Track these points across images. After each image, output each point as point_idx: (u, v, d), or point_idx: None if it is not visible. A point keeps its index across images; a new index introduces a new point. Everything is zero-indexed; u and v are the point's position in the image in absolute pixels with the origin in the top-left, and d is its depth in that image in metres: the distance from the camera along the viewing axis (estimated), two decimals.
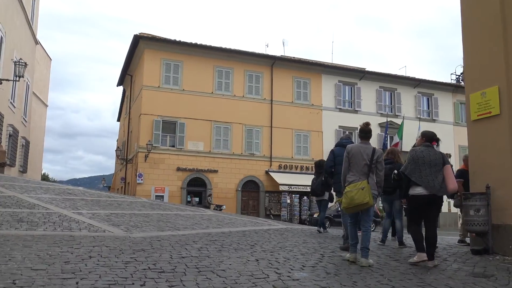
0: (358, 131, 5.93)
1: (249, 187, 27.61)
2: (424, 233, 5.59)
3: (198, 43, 27.27)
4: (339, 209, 7.97)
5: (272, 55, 28.99)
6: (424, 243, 5.39)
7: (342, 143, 7.14)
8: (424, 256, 5.37)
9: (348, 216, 5.66)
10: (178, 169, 26.10)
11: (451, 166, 5.81)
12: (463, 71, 6.52)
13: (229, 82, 27.96)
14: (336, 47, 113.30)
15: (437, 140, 5.88)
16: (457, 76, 52.16)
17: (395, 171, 7.57)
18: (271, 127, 28.23)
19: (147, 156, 25.47)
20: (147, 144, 25.20)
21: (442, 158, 5.53)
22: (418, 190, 5.40)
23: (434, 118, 32.73)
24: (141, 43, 26.71)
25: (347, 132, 29.72)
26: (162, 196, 25.61)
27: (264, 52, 29.68)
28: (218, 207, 25.16)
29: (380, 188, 5.54)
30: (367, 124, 5.75)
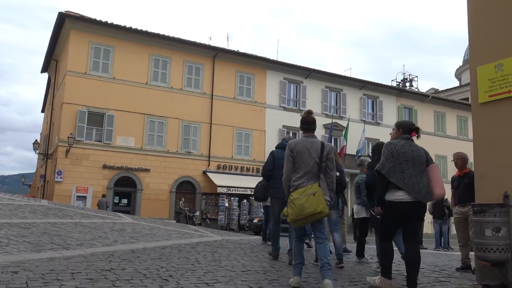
0: (300, 123, 4.62)
1: (185, 188, 25.22)
2: (404, 252, 4.52)
3: (133, 27, 24.52)
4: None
5: (215, 46, 26.78)
6: (405, 266, 4.22)
7: (283, 145, 6.22)
8: (389, 283, 4.18)
9: (294, 232, 4.50)
10: (105, 166, 23.22)
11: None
12: (468, 35, 4.76)
13: (166, 72, 25.44)
14: (278, 51, 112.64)
15: (417, 130, 4.55)
16: (397, 83, 52.76)
17: (337, 173, 6.01)
18: (211, 123, 26.01)
19: (68, 151, 22.39)
20: (68, 137, 22.13)
21: (425, 155, 4.39)
22: (398, 195, 4.16)
23: (378, 122, 31.97)
24: (67, 23, 23.57)
25: (290, 134, 28.19)
26: (85, 197, 22.68)
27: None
28: (191, 213, 22.84)
29: (332, 192, 4.41)
30: (309, 113, 4.58)
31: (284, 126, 27.97)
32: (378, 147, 6.01)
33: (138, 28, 24.60)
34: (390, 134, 4.69)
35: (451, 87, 54.85)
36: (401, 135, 4.48)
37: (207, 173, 25.34)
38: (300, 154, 4.30)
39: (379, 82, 32.99)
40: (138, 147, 24.11)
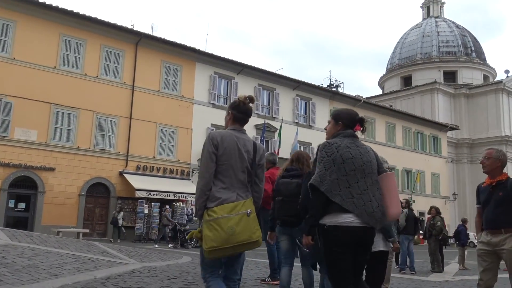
0: (231, 108, 3.29)
1: (97, 191, 21.87)
2: None
3: (41, 0, 20.84)
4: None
5: (138, 31, 23.69)
6: None
7: None
8: None
9: (205, 265, 3.03)
10: None
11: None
12: None
13: (80, 57, 21.99)
14: (207, 46, 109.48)
15: (362, 122, 3.24)
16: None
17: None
18: (130, 118, 22.91)
19: None
20: None
21: (376, 159, 3.16)
22: (345, 218, 2.89)
23: (311, 124, 30.69)
24: None
25: None
26: None
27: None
28: (181, 226, 19.48)
29: (257, 210, 3.14)
30: (251, 100, 3.30)
31: (213, 125, 25.57)
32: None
33: (47, 2, 20.94)
34: (325, 129, 3.37)
35: (375, 94, 55.96)
36: (342, 130, 3.16)
37: (124, 174, 22.20)
38: (229, 153, 3.05)
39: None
40: (42, 142, 20.46)
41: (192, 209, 22.90)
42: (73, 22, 21.79)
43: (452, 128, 42.57)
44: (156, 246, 17.42)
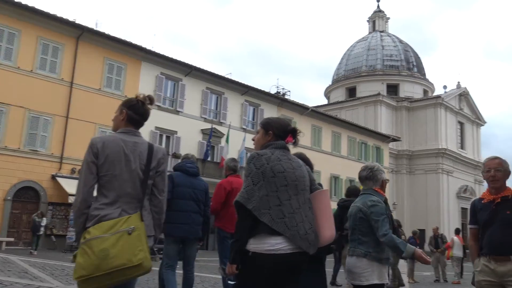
0: (126, 107, 2.80)
1: (25, 196, 20.03)
2: None
3: None
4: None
5: (80, 25, 22.13)
6: None
7: (185, 168, 4.93)
8: None
9: None
10: None
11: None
12: None
13: (13, 48, 20.16)
14: (154, 47, 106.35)
15: (294, 133, 2.88)
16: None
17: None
18: (67, 117, 21.31)
19: None
20: None
21: (309, 175, 2.80)
22: (274, 244, 2.48)
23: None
24: None
25: (164, 137, 24.79)
26: None
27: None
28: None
29: (159, 230, 2.73)
30: (151, 100, 2.87)
31: (157, 128, 24.40)
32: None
33: None
34: (253, 139, 2.99)
35: (321, 104, 56.60)
36: (272, 140, 2.81)
37: (57, 178, 20.54)
38: (111, 162, 2.60)
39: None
40: None
41: None
42: (7, 10, 19.94)
43: (394, 140, 43.67)
44: None
